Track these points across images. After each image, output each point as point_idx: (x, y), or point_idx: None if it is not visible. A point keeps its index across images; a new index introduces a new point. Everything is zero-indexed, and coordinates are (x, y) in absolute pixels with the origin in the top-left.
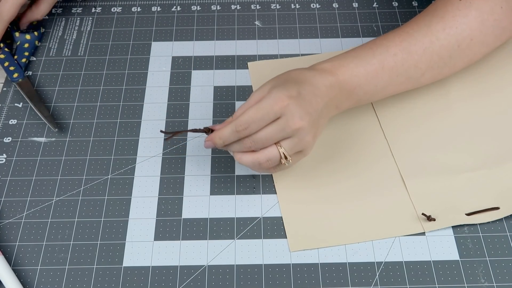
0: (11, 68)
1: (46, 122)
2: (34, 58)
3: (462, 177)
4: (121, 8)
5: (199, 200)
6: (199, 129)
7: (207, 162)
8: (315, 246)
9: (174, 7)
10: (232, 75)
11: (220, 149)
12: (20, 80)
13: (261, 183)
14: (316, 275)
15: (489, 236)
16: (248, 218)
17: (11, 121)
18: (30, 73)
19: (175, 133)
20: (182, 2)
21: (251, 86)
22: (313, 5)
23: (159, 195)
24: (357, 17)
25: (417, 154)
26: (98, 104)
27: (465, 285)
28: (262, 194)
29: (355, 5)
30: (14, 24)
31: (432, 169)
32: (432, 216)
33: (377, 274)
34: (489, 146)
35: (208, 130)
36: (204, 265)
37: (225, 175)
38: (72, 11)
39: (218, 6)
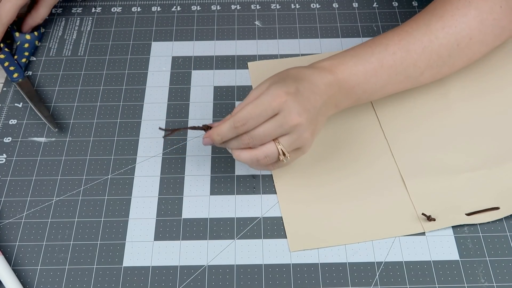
0: (11, 68)
1: (46, 122)
2: (34, 58)
3: (462, 177)
4: (121, 8)
5: (199, 200)
6: (198, 126)
7: (207, 162)
8: (315, 246)
9: (174, 7)
10: (232, 75)
11: (220, 149)
12: (20, 80)
13: (261, 183)
14: (316, 275)
15: (489, 236)
16: (248, 218)
17: (11, 121)
18: (30, 73)
19: (174, 131)
20: (182, 2)
21: (251, 86)
22: (313, 5)
23: (159, 195)
24: (357, 17)
25: (417, 154)
26: (98, 104)
27: (465, 285)
28: (262, 194)
29: (355, 5)
30: (14, 25)
31: (432, 169)
32: (432, 216)
33: (377, 274)
34: (489, 146)
35: (206, 128)
36: (204, 265)
37: (225, 175)
38: (72, 11)
39: (218, 6)
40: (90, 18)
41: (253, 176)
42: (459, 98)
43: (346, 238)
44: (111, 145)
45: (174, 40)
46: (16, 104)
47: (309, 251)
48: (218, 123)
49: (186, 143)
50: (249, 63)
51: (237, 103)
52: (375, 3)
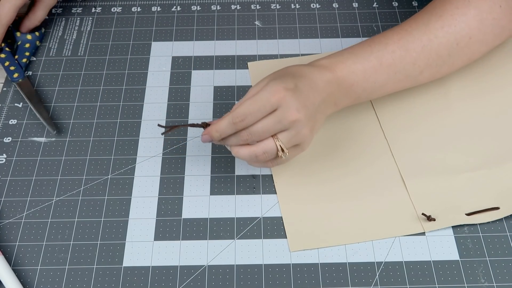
0: (12, 68)
1: (45, 124)
2: (34, 58)
3: (462, 177)
4: (121, 8)
5: (199, 200)
6: (197, 124)
7: (207, 162)
8: (315, 246)
9: (174, 7)
10: (232, 75)
11: (220, 149)
12: (20, 80)
13: (261, 183)
14: (316, 275)
15: (489, 236)
16: (248, 218)
17: (11, 121)
18: (30, 73)
19: (172, 127)
20: (182, 2)
21: (251, 86)
22: (313, 5)
23: (159, 195)
24: (357, 17)
25: (417, 154)
26: (98, 104)
27: (465, 285)
28: (262, 194)
29: (355, 5)
30: (15, 25)
31: (432, 169)
32: (432, 216)
33: (377, 274)
34: (489, 146)
35: (205, 125)
36: (204, 265)
37: (225, 175)
38: (72, 11)
39: (218, 6)
40: (90, 18)
41: (253, 176)
42: (459, 98)
43: (346, 238)
44: (111, 145)
45: (174, 40)
46: (16, 104)
47: (309, 251)
48: (217, 120)
49: (186, 143)
50: (249, 63)
51: (237, 103)
52: (375, 3)
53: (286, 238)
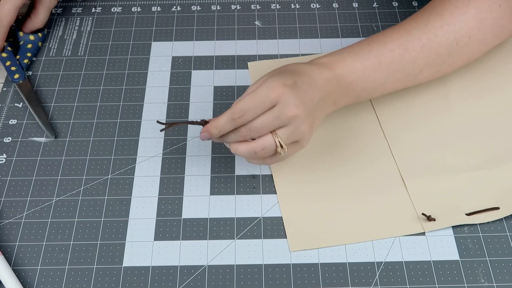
0: (13, 68)
1: (44, 128)
2: (34, 58)
3: (462, 177)
4: (121, 8)
5: (199, 200)
6: (196, 121)
7: (207, 162)
8: (315, 246)
9: (174, 7)
10: (232, 75)
11: (220, 149)
12: (20, 81)
13: (261, 183)
14: (316, 275)
15: (489, 236)
16: (248, 218)
17: (11, 121)
18: (30, 73)
19: (171, 124)
20: (182, 2)
21: None
22: (313, 5)
23: (159, 195)
24: (357, 17)
25: (417, 154)
26: (98, 104)
27: (465, 285)
28: (262, 194)
29: (355, 5)
30: (18, 24)
31: (432, 169)
32: (432, 216)
33: (377, 274)
34: (489, 146)
35: (204, 123)
36: (204, 265)
37: (225, 175)
38: (72, 11)
39: (218, 6)
40: (90, 18)
41: (253, 176)
42: (459, 98)
43: (346, 238)
44: (111, 145)
45: (174, 40)
46: (16, 104)
47: (309, 251)
48: (216, 118)
49: (186, 143)
50: (249, 63)
51: (236, 100)
52: (375, 3)
53: (286, 238)
